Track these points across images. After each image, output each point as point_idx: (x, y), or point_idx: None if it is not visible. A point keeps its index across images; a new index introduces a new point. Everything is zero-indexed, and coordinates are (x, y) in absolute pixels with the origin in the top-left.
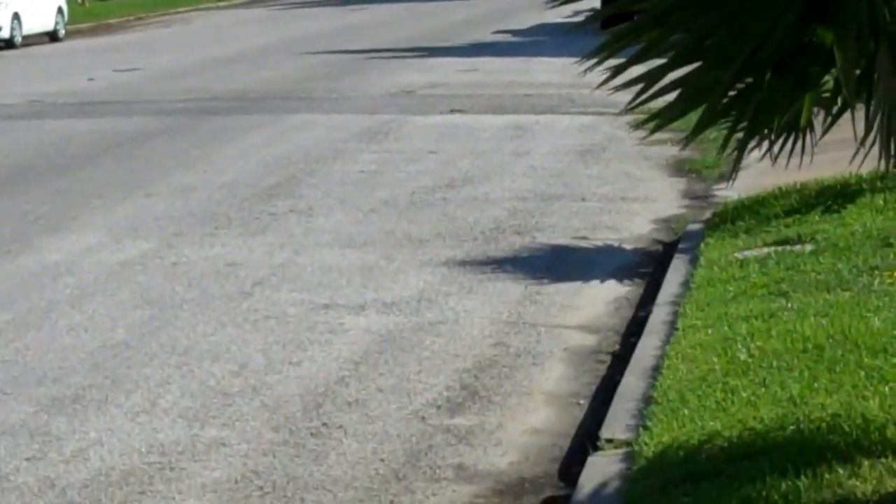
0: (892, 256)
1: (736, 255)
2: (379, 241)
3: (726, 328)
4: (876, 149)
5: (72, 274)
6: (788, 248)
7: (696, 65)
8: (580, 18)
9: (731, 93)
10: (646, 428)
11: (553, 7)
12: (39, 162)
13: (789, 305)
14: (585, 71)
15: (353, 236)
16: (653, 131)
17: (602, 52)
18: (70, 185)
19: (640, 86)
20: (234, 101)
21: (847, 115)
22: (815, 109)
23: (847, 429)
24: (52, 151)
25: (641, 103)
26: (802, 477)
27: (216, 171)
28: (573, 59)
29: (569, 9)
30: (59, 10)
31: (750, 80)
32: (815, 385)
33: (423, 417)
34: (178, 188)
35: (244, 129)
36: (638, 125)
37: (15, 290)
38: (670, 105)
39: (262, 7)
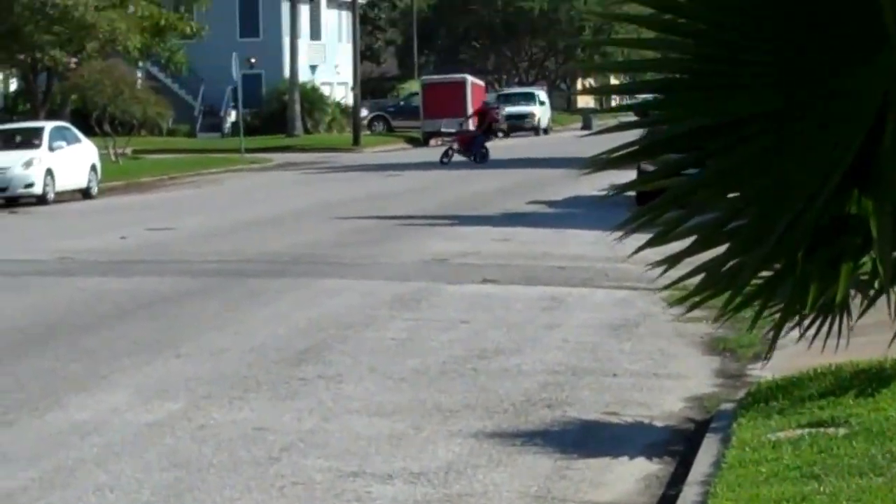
0: None
1: (769, 436)
2: (408, 410)
3: None
4: None
5: (99, 433)
6: (822, 430)
7: (721, 248)
8: (612, 191)
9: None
10: None
11: (587, 176)
12: (69, 319)
13: (822, 489)
14: (618, 243)
15: (382, 404)
16: (686, 311)
17: (630, 227)
18: (99, 344)
19: (667, 266)
20: (267, 264)
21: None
22: (852, 291)
23: None
24: (82, 309)
25: (671, 284)
26: None
27: (247, 333)
28: (607, 233)
29: (604, 181)
30: (93, 168)
31: (780, 263)
32: None
33: None
34: (209, 350)
35: (276, 292)
36: (673, 303)
37: (42, 448)
38: (698, 287)
39: (294, 170)
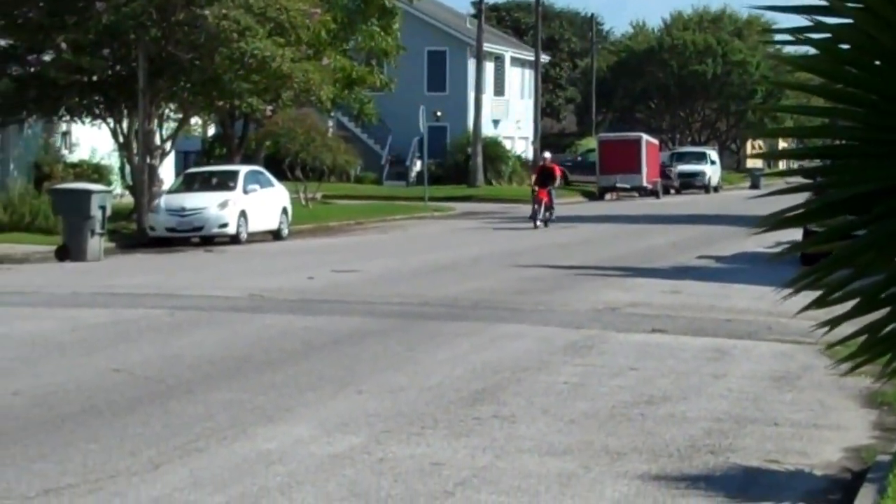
0: None
1: None
2: (577, 451)
3: None
4: None
5: (283, 463)
6: None
7: (884, 311)
8: (781, 249)
9: None
10: None
11: (756, 234)
12: (257, 354)
13: None
14: (782, 300)
15: (553, 444)
16: (850, 370)
17: (796, 285)
18: (285, 379)
19: (830, 326)
20: (446, 308)
21: None
22: None
23: None
24: (269, 345)
25: (837, 343)
26: None
27: (425, 373)
28: (772, 288)
29: (771, 239)
30: (284, 211)
31: None
32: None
33: None
34: (389, 387)
35: (454, 335)
36: (839, 361)
37: (229, 475)
38: (861, 347)
39: (475, 219)
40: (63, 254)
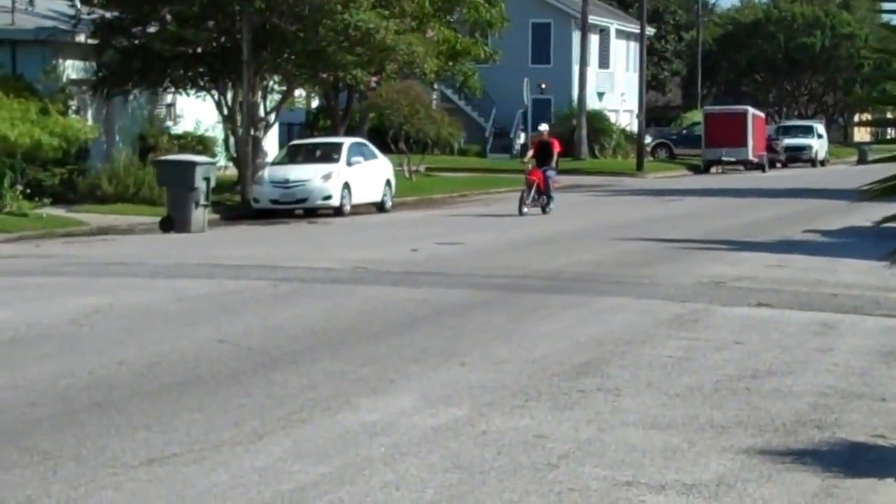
0: None
1: None
2: (682, 425)
3: None
4: None
5: (386, 434)
6: None
7: None
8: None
9: None
10: None
11: (862, 207)
12: (361, 326)
13: None
14: (892, 274)
15: (657, 418)
16: None
17: None
18: (388, 350)
19: None
20: (549, 280)
21: None
22: None
23: None
24: (372, 317)
25: None
26: None
27: (528, 345)
28: (880, 263)
29: (878, 213)
30: (388, 183)
31: None
32: None
33: None
34: (492, 360)
35: (557, 307)
36: None
37: (332, 446)
38: None
39: (579, 192)
40: (167, 225)
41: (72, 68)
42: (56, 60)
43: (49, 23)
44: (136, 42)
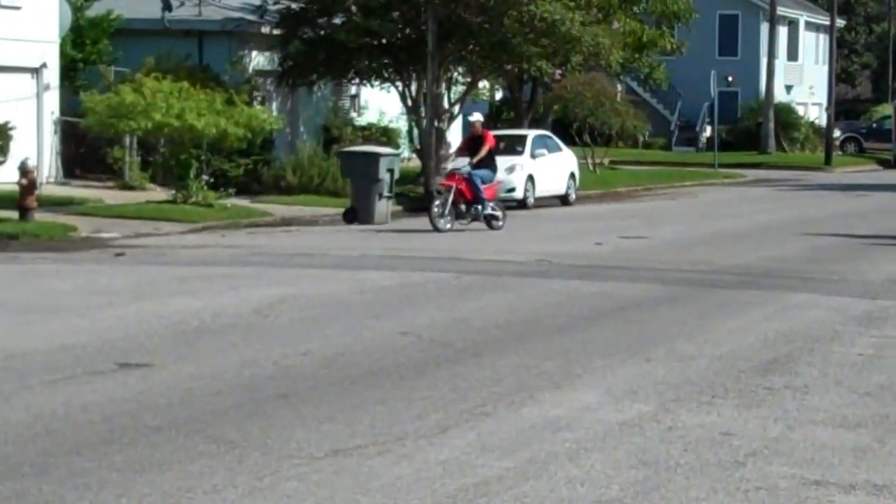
0: None
1: None
2: (872, 424)
3: None
4: None
5: (571, 429)
6: None
7: None
8: None
9: None
10: None
11: None
12: (544, 319)
13: None
14: None
15: (846, 417)
16: None
17: None
18: (572, 344)
19: None
20: (736, 276)
21: None
22: None
23: None
24: (556, 310)
25: None
26: None
27: (715, 342)
28: None
29: None
30: (572, 175)
31: None
32: None
33: None
34: (678, 355)
35: (744, 303)
36: None
37: (516, 440)
38: None
39: (766, 187)
40: (351, 216)
41: (257, 59)
42: (242, 51)
43: (235, 14)
44: (322, 33)
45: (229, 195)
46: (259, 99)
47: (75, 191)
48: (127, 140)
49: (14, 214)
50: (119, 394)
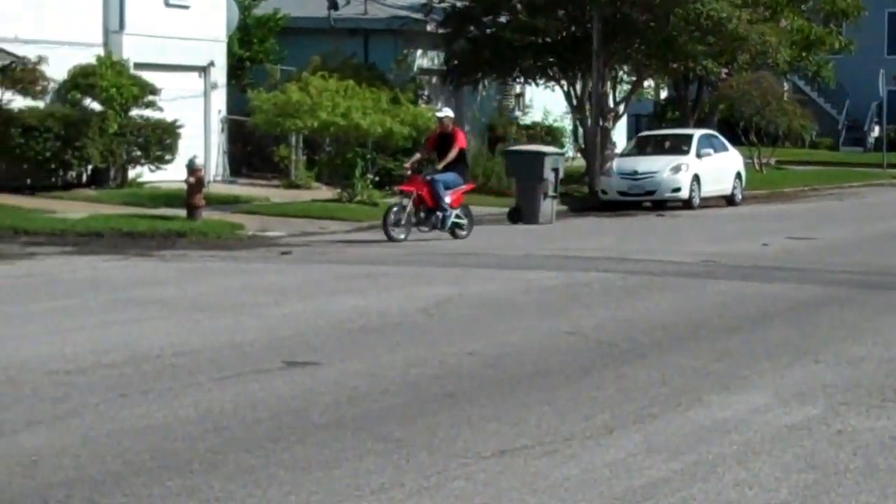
0: None
1: None
2: None
3: None
4: None
5: (739, 431)
6: None
7: None
8: None
9: None
10: None
11: None
12: (711, 321)
13: None
14: None
15: None
16: None
17: None
18: (739, 345)
19: None
20: None
21: None
22: None
23: None
24: (723, 311)
25: None
26: None
27: (884, 344)
28: None
29: None
30: (738, 175)
31: None
32: None
33: None
34: (847, 357)
35: None
36: None
37: (683, 442)
38: None
39: None
40: (515, 215)
41: (422, 58)
42: (407, 50)
43: (401, 12)
44: (487, 31)
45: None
46: (424, 97)
47: (242, 189)
48: (293, 139)
49: (182, 212)
50: (286, 391)
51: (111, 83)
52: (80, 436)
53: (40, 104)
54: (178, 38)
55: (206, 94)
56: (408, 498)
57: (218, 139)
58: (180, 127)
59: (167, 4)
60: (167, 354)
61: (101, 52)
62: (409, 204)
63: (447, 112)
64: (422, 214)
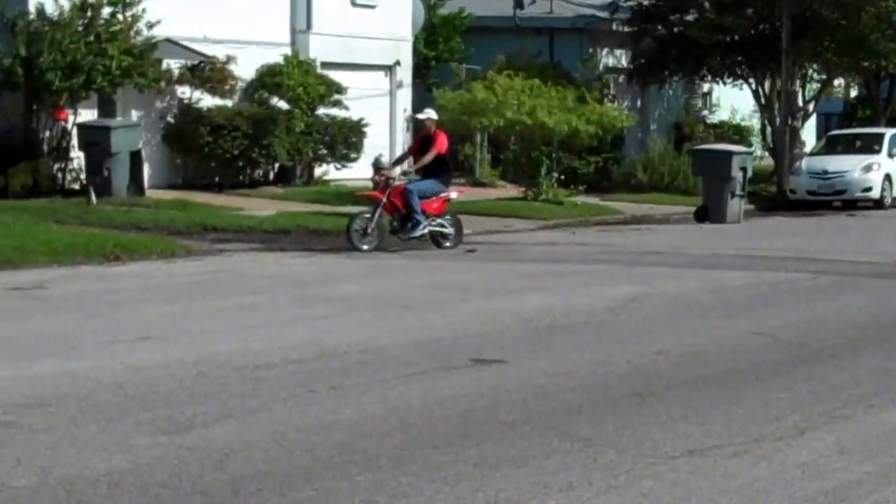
0: None
1: None
2: None
3: None
4: None
5: None
6: None
7: None
8: None
9: None
10: None
11: None
12: None
13: None
14: None
15: None
16: None
17: None
18: None
19: None
20: None
21: None
22: None
23: None
24: None
25: None
26: None
27: None
28: None
29: None
30: None
31: None
32: None
33: None
34: None
35: None
36: None
37: (876, 444)
38: None
39: None
40: (702, 215)
41: (608, 56)
42: (592, 48)
43: (587, 11)
44: (674, 30)
45: (579, 193)
46: (610, 96)
47: None
48: (478, 137)
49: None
50: (473, 389)
51: (298, 82)
52: (270, 430)
53: (228, 103)
54: (364, 37)
55: (391, 93)
56: (596, 496)
57: (403, 137)
58: (366, 125)
59: (354, 4)
60: (354, 351)
61: (288, 51)
62: (376, 212)
63: (429, 114)
64: (395, 223)
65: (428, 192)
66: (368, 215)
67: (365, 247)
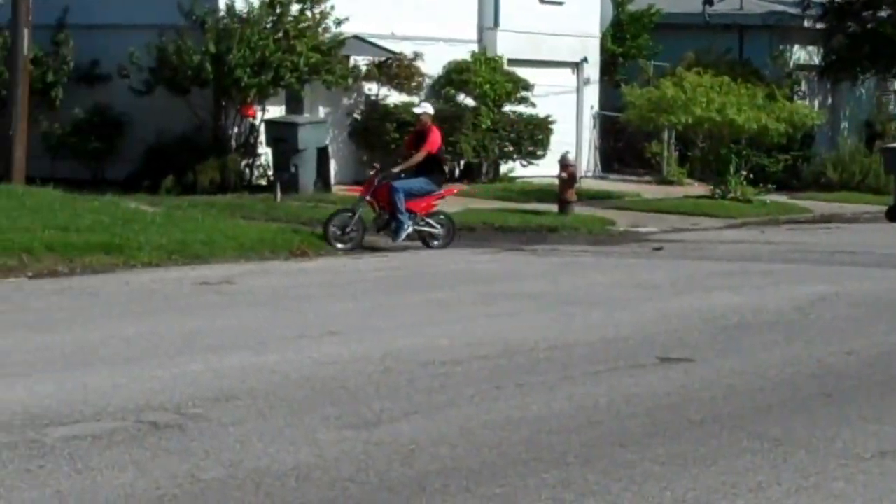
0: None
1: None
2: None
3: None
4: None
5: None
6: None
7: None
8: None
9: None
10: None
11: None
12: None
13: None
14: None
15: None
16: None
17: None
18: None
19: None
20: None
21: None
22: None
23: None
24: None
25: None
26: None
27: None
28: None
29: None
30: None
31: None
32: None
33: None
34: None
35: None
36: None
37: None
38: None
39: None
40: (894, 214)
41: (798, 53)
42: (783, 45)
43: (777, 7)
44: (867, 27)
45: (768, 191)
46: (800, 94)
47: (613, 185)
48: (665, 134)
49: (553, 207)
50: (661, 387)
51: (485, 79)
52: (457, 426)
53: (415, 99)
54: (551, 34)
55: (578, 90)
56: (785, 497)
57: (589, 135)
58: (552, 122)
59: (542, 1)
60: (540, 348)
61: (475, 48)
62: (360, 209)
63: (425, 108)
64: (379, 221)
65: (416, 191)
66: (349, 213)
67: (340, 246)
